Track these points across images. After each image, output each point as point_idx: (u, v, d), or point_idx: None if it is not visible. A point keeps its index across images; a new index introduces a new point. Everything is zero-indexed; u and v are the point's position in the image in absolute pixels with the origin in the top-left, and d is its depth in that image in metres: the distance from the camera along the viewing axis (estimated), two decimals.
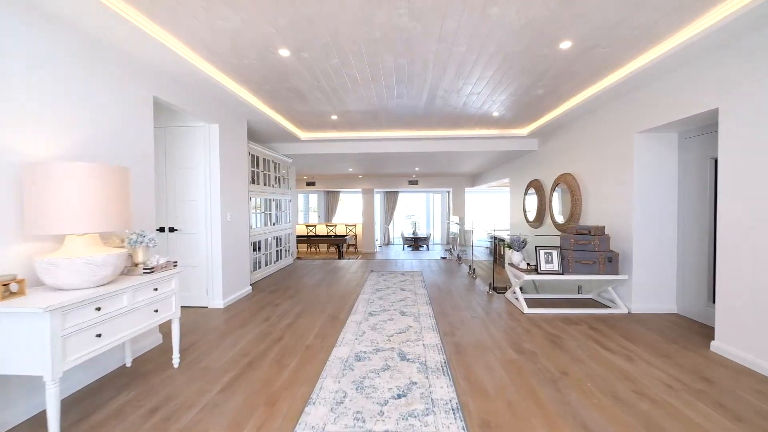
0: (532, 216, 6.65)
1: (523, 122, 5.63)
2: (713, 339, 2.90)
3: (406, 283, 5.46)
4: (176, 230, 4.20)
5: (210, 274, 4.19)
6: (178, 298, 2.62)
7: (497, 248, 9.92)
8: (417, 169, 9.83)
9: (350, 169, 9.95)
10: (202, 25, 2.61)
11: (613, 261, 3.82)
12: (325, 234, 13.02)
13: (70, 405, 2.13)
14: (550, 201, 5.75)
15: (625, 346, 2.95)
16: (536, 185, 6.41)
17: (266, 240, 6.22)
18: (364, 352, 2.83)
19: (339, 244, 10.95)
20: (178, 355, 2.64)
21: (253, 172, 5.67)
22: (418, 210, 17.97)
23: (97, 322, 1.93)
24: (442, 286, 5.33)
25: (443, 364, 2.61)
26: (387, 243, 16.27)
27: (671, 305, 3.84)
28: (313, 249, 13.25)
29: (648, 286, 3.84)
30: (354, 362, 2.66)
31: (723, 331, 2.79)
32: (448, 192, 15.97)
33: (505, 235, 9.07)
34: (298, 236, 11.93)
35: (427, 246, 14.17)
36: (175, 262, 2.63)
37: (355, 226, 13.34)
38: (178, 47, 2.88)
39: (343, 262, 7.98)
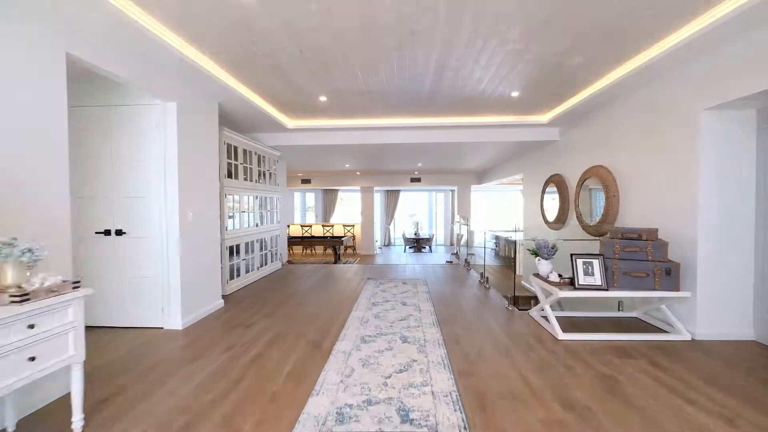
0: (552, 216, 5.83)
1: (544, 108, 4.81)
2: None
3: (408, 294, 4.65)
4: (124, 233, 3.40)
5: (166, 286, 3.39)
6: (81, 334, 1.82)
7: (506, 250, 9.09)
8: (420, 164, 9.02)
9: (347, 165, 9.15)
10: None
11: (672, 273, 2.99)
12: (321, 235, 12.23)
13: None
14: (577, 199, 4.93)
15: (713, 396, 2.13)
16: (557, 181, 5.59)
17: (248, 243, 5.42)
18: (350, 407, 2.02)
19: (335, 246, 10.15)
20: (82, 416, 1.83)
21: (230, 164, 4.87)
22: (420, 209, 17.18)
23: None
24: (451, 298, 4.52)
25: (463, 431, 1.80)
26: (387, 244, 15.50)
27: (746, 330, 3.02)
28: (308, 251, 12.46)
29: (716, 306, 3.02)
30: (334, 426, 1.85)
31: None
32: (452, 191, 15.17)
33: (516, 237, 8.23)
34: (291, 237, 11.15)
35: (430, 248, 13.37)
36: (77, 282, 1.82)
37: (353, 226, 12.55)
38: None
39: (338, 267, 7.18)
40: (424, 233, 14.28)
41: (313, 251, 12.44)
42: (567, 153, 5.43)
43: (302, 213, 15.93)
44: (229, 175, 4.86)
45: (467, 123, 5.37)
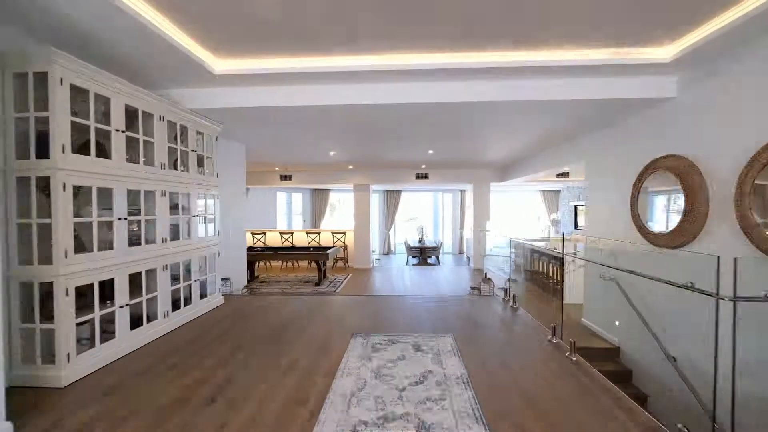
0: (659, 225, 3.52)
1: (669, 30, 2.51)
2: None
3: (427, 390, 2.29)
4: None
5: None
6: None
7: (534, 262, 6.72)
8: (431, 152, 6.70)
9: (332, 153, 6.81)
10: None
11: None
12: (304, 245, 9.89)
13: None
14: (745, 198, 2.60)
15: None
16: (676, 167, 3.26)
17: (139, 274, 3.07)
18: None
19: (319, 261, 7.81)
20: None
21: (86, 128, 2.53)
22: (425, 213, 14.91)
23: None
24: (521, 402, 2.17)
25: None
26: (387, 252, 13.23)
27: None
28: (290, 264, 10.13)
29: None
30: None
31: None
32: (461, 191, 12.89)
33: (540, 247, 5.88)
34: (265, 248, 8.83)
35: (437, 258, 11.06)
36: None
37: (344, 233, 10.20)
38: None
39: (315, 298, 4.83)
40: (429, 240, 11.99)
41: (296, 264, 10.10)
42: (702, 118, 3.11)
43: (288, 217, 13.62)
44: (85, 150, 2.53)
45: (525, 63, 3.05)
